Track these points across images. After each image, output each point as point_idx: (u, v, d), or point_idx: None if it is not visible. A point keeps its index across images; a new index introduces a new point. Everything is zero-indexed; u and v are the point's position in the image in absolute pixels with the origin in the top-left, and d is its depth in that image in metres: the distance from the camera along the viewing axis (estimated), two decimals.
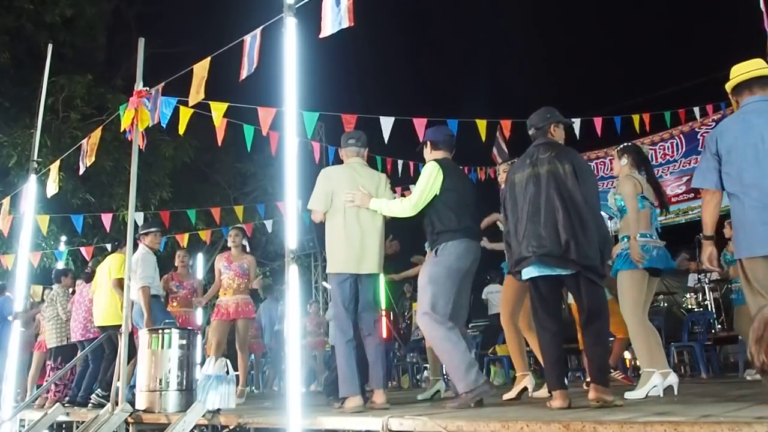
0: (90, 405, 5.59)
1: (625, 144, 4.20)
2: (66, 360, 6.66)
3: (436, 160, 3.73)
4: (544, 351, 3.20)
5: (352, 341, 3.73)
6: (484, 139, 7.01)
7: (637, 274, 3.74)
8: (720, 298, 7.84)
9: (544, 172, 3.16)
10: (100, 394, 5.51)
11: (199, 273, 8.21)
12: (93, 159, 5.52)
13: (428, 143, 3.90)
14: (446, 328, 3.46)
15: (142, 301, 5.44)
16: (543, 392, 4.05)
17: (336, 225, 3.79)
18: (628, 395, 3.47)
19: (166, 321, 5.34)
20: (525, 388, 4.22)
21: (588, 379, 3.45)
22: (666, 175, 10.22)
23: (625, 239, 3.84)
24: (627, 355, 6.25)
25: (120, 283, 5.69)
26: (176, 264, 6.63)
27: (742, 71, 3.06)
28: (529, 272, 3.20)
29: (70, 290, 7.01)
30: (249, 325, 6.24)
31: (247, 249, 6.38)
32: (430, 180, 3.62)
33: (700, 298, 8.17)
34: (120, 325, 5.59)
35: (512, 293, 4.33)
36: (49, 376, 6.78)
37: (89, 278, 6.41)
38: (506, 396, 4.13)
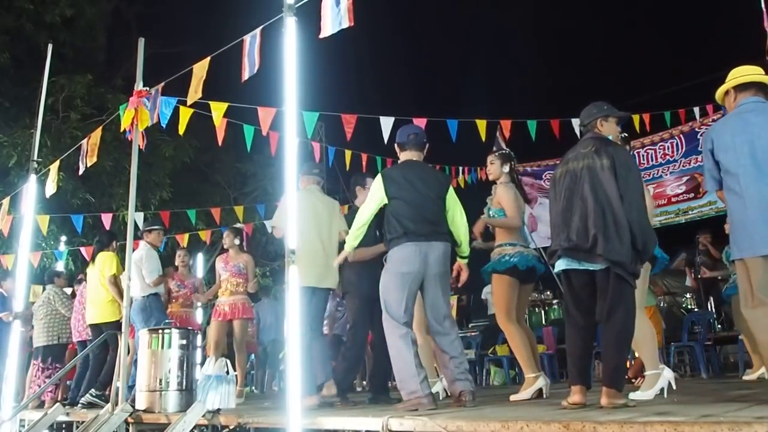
0: (80, 405, 5.58)
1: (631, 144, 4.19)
2: (56, 360, 6.68)
3: (383, 172, 3.87)
4: (568, 345, 3.17)
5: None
6: (484, 139, 7.01)
7: (646, 272, 3.75)
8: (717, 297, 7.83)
9: (581, 167, 3.11)
10: (94, 394, 5.48)
11: (199, 273, 8.21)
12: (94, 159, 5.52)
13: (397, 146, 3.98)
14: (397, 335, 3.59)
15: (163, 287, 5.67)
16: (521, 395, 3.96)
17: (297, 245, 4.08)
18: (633, 396, 3.45)
19: (165, 321, 5.33)
20: (540, 390, 4.01)
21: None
22: (666, 175, 10.21)
23: None
24: None
25: (115, 280, 5.68)
26: (176, 263, 6.63)
27: (744, 73, 3.06)
28: (558, 266, 3.19)
29: (69, 291, 7.00)
30: (246, 325, 6.26)
31: (244, 247, 6.39)
32: (372, 194, 3.80)
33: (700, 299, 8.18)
34: (114, 321, 5.63)
35: (503, 292, 4.17)
36: (36, 375, 6.75)
37: None
38: (516, 397, 3.95)
